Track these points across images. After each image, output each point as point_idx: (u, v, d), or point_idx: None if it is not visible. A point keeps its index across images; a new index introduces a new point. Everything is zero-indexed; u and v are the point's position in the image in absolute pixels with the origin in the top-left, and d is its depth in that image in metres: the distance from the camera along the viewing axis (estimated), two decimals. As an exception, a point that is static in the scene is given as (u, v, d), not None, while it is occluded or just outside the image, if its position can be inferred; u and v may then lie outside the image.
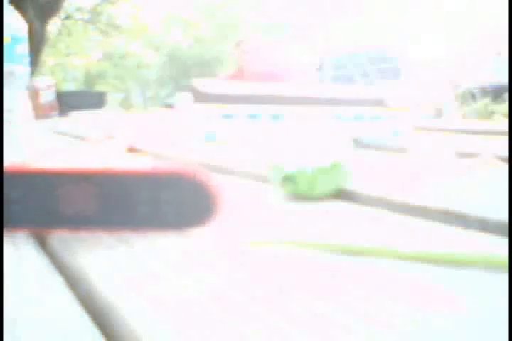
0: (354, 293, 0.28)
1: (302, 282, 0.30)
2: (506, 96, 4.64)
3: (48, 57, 10.06)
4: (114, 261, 0.34)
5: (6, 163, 0.59)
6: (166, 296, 0.28)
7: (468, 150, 0.96)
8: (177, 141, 1.23)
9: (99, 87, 11.89)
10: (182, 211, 0.38)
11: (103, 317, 0.26)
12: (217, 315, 0.25)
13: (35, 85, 2.80)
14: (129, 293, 0.28)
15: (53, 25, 8.30)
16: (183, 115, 1.56)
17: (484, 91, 5.10)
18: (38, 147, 0.72)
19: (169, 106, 4.06)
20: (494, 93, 4.96)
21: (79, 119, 2.50)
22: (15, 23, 0.64)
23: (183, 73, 11.61)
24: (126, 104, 11.71)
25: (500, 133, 1.44)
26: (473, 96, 5.11)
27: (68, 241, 0.38)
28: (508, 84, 4.47)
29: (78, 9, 8.86)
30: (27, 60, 0.66)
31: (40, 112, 2.74)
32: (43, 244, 0.39)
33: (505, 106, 4.46)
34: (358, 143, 1.18)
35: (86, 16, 9.20)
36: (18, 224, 0.38)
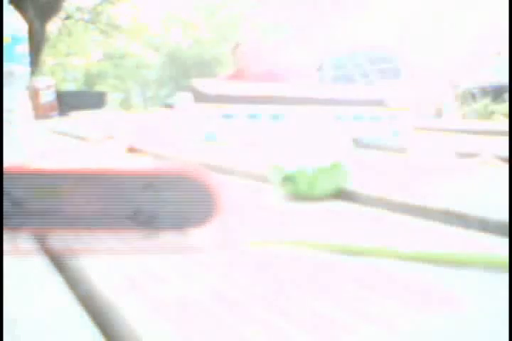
0: (354, 293, 0.28)
1: (302, 282, 0.30)
2: (506, 96, 4.64)
3: (48, 57, 10.06)
4: (114, 261, 0.34)
5: (5, 163, 0.59)
6: (165, 296, 0.28)
7: (468, 150, 0.96)
8: (177, 141, 1.23)
9: (99, 87, 11.90)
10: (182, 211, 0.38)
11: (103, 317, 0.26)
12: (217, 315, 0.25)
13: (35, 85, 2.80)
14: (129, 293, 0.28)
15: (53, 25, 8.31)
16: (183, 115, 1.56)
17: (484, 91, 5.10)
18: (38, 147, 0.72)
19: (169, 106, 4.06)
20: (494, 93, 4.96)
21: (79, 119, 2.50)
22: (15, 23, 0.64)
23: (182, 73, 11.61)
24: (126, 104, 11.72)
25: (500, 133, 1.44)
26: (473, 96, 5.11)
27: (68, 241, 0.38)
28: (508, 84, 4.47)
29: (78, 9, 8.86)
30: (27, 60, 0.66)
31: (40, 112, 2.74)
32: (43, 243, 0.39)
33: (505, 106, 4.46)
34: (358, 143, 1.18)
35: (86, 16, 9.21)
36: (20, 225, 0.38)
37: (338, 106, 1.27)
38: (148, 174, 0.38)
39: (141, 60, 12.84)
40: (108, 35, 10.05)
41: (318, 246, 0.36)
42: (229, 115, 1.21)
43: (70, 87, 11.85)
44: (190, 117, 1.30)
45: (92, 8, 9.08)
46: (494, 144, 1.12)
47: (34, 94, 2.74)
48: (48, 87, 2.93)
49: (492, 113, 4.53)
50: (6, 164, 0.59)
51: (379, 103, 1.31)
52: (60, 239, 0.38)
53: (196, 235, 0.39)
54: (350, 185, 0.57)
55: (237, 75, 1.67)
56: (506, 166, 0.77)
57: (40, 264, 0.34)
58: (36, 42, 4.79)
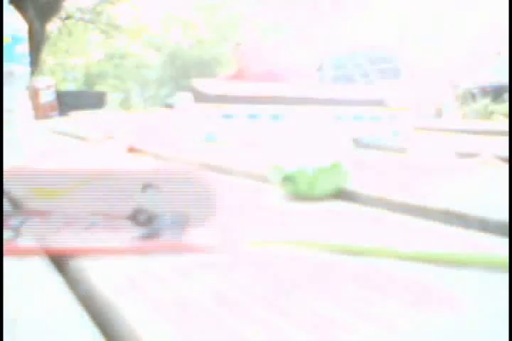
0: (354, 293, 0.28)
1: (302, 282, 0.30)
2: (506, 96, 4.64)
3: (48, 57, 10.06)
4: (114, 261, 0.34)
5: (5, 163, 0.59)
6: (165, 296, 0.28)
7: (468, 150, 0.96)
8: (177, 141, 1.23)
9: (99, 87, 11.90)
10: (182, 211, 0.38)
11: (103, 317, 0.26)
12: (217, 315, 0.25)
13: (35, 85, 2.80)
14: (129, 293, 0.28)
15: (53, 25, 8.31)
16: (183, 115, 1.56)
17: (484, 91, 5.10)
18: (38, 147, 0.72)
19: (169, 106, 4.06)
20: (494, 93, 4.96)
21: (79, 119, 2.50)
22: (15, 23, 0.64)
23: (182, 73, 11.61)
24: (126, 104, 11.71)
25: (500, 133, 1.44)
26: (473, 96, 5.11)
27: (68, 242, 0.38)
28: (508, 84, 4.47)
29: (78, 9, 8.85)
30: (27, 60, 0.66)
31: (40, 112, 2.74)
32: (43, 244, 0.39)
33: (505, 106, 4.46)
34: (358, 143, 1.18)
35: (86, 16, 9.20)
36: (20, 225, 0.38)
37: (338, 106, 1.27)
38: (148, 174, 0.38)
39: (142, 60, 12.85)
40: (108, 35, 10.05)
41: (318, 246, 0.36)
42: (229, 115, 1.21)
43: (70, 87, 11.85)
44: (190, 117, 1.30)
45: (92, 8, 9.08)
46: (494, 144, 1.12)
47: (34, 94, 2.75)
48: (48, 87, 2.93)
49: (492, 113, 4.53)
50: (6, 164, 0.59)
51: (379, 103, 1.31)
52: (60, 239, 0.38)
53: (196, 235, 0.39)
54: (350, 185, 0.57)
55: (238, 75, 1.67)
56: (506, 166, 0.77)
57: (40, 264, 0.34)
58: (36, 42, 4.79)
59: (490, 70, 5.54)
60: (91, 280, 0.31)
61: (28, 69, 0.67)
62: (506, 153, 0.83)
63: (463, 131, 1.56)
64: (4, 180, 0.37)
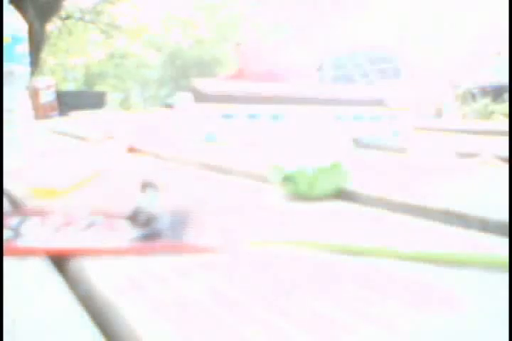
0: (354, 293, 0.28)
1: (302, 282, 0.30)
2: (506, 96, 4.64)
3: (48, 57, 10.06)
4: (114, 261, 0.34)
5: (5, 163, 0.59)
6: (165, 296, 0.28)
7: (468, 150, 0.96)
8: (177, 141, 1.23)
9: (99, 87, 11.90)
10: (182, 211, 0.38)
11: (103, 317, 0.26)
12: (217, 315, 0.25)
13: (35, 85, 2.80)
14: (129, 293, 0.28)
15: (53, 25, 8.31)
16: (183, 115, 1.56)
17: (484, 91, 5.11)
18: (38, 147, 0.72)
19: (169, 106, 4.06)
20: (494, 93, 4.96)
21: (79, 119, 2.50)
22: (15, 23, 0.64)
23: (183, 73, 11.61)
24: (126, 104, 11.71)
25: (500, 133, 1.44)
26: (473, 96, 5.11)
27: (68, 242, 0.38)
28: (508, 84, 4.48)
29: (78, 9, 8.85)
30: (27, 60, 0.66)
31: (40, 112, 2.74)
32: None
33: (505, 106, 4.46)
34: (358, 143, 1.18)
35: (86, 16, 9.21)
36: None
37: (338, 106, 1.27)
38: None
39: (142, 60, 12.85)
40: (108, 35, 10.05)
41: (318, 246, 0.36)
42: (229, 115, 1.21)
43: (70, 87, 11.84)
44: (190, 117, 1.30)
45: (92, 7, 9.08)
46: (494, 144, 1.12)
47: (34, 94, 2.74)
48: (48, 87, 2.93)
49: (492, 113, 4.53)
50: (6, 164, 0.59)
51: (379, 103, 1.31)
52: (60, 240, 0.38)
53: (196, 235, 0.39)
54: (350, 185, 0.57)
55: (238, 75, 1.67)
56: (506, 166, 0.77)
57: (40, 264, 0.34)
58: (36, 42, 4.79)
59: (490, 70, 5.54)
60: (91, 280, 0.31)
61: (28, 69, 0.67)
62: (506, 153, 0.83)
63: (463, 131, 1.56)
64: (4, 180, 0.37)
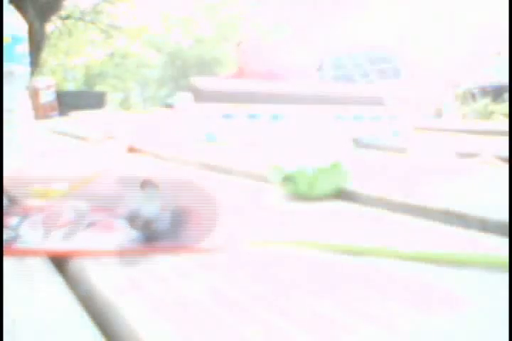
0: (354, 293, 0.28)
1: (302, 282, 0.30)
2: (506, 96, 4.65)
3: (49, 57, 10.06)
4: (114, 261, 0.34)
5: (5, 163, 0.59)
6: (166, 296, 0.28)
7: (468, 150, 0.96)
8: (177, 141, 1.23)
9: (99, 87, 11.91)
10: (182, 211, 0.38)
11: (103, 317, 0.26)
12: (217, 315, 0.25)
13: (35, 85, 2.80)
14: (129, 293, 0.28)
15: (53, 25, 8.31)
16: (183, 115, 1.56)
17: (484, 91, 5.11)
18: (38, 147, 0.72)
19: (169, 106, 4.06)
20: (494, 93, 4.97)
21: (79, 119, 2.50)
22: (15, 23, 0.64)
23: (183, 73, 11.62)
24: (126, 104, 11.72)
25: (500, 133, 1.44)
26: (473, 96, 5.12)
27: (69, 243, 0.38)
28: (508, 84, 4.48)
29: (78, 9, 8.86)
30: (27, 60, 0.66)
31: (40, 112, 2.74)
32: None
33: (505, 106, 4.46)
34: (358, 143, 1.18)
35: (86, 16, 9.21)
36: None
37: (338, 104, 1.27)
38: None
39: (142, 60, 12.85)
40: (108, 35, 10.05)
41: (318, 246, 0.36)
42: (229, 115, 1.21)
43: (70, 87, 11.85)
44: (190, 117, 1.30)
45: (91, 8, 9.08)
46: (494, 144, 1.12)
47: (34, 94, 2.75)
48: (48, 87, 2.93)
49: (492, 113, 4.53)
50: (6, 164, 0.59)
51: (379, 101, 1.31)
52: (59, 241, 0.38)
53: (196, 235, 0.39)
54: (350, 185, 0.57)
55: (238, 74, 1.67)
56: (506, 166, 0.77)
57: (40, 264, 0.34)
58: (36, 42, 4.79)
59: (490, 70, 5.55)
60: (91, 280, 0.31)
61: (28, 69, 0.67)
62: (506, 153, 0.83)
63: (463, 131, 1.56)
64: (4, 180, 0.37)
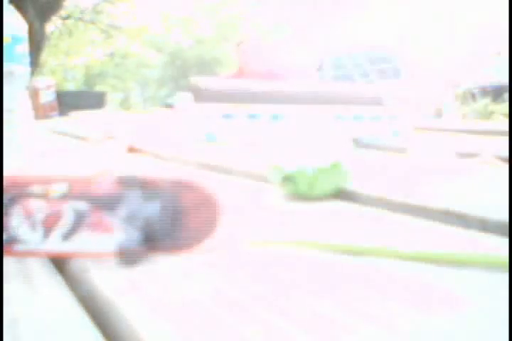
0: (354, 293, 0.28)
1: (302, 282, 0.30)
2: (506, 96, 4.65)
3: (49, 57, 10.06)
4: (114, 261, 0.34)
5: (5, 163, 0.59)
6: (166, 296, 0.28)
7: (468, 150, 0.96)
8: (177, 141, 1.23)
9: (99, 87, 11.91)
10: (181, 212, 0.38)
11: (103, 317, 0.26)
12: (217, 315, 0.25)
13: (35, 85, 2.80)
14: (129, 294, 0.28)
15: (54, 26, 8.31)
16: (183, 115, 1.56)
17: (484, 91, 5.11)
18: (38, 147, 0.72)
19: (169, 106, 4.06)
20: (494, 93, 4.97)
21: (79, 119, 2.50)
22: (15, 23, 0.64)
23: (183, 73, 11.62)
24: (126, 104, 11.72)
25: (500, 133, 1.44)
26: (473, 96, 5.12)
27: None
28: (508, 84, 4.48)
29: (78, 9, 8.86)
30: (27, 60, 0.66)
31: (40, 112, 2.74)
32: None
33: (505, 106, 4.46)
34: (358, 143, 1.18)
35: (86, 16, 9.21)
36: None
37: (338, 104, 1.27)
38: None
39: (142, 60, 12.85)
40: (108, 35, 10.05)
41: (318, 246, 0.36)
42: (229, 115, 1.21)
43: (70, 87, 11.85)
44: (190, 117, 1.30)
45: (91, 8, 9.08)
46: (494, 144, 1.12)
47: (34, 94, 2.75)
48: (48, 87, 2.93)
49: (492, 113, 4.53)
50: (6, 164, 0.59)
51: (379, 101, 1.31)
52: (57, 244, 0.38)
53: (196, 235, 0.39)
54: (350, 185, 0.57)
55: (238, 74, 1.67)
56: (506, 166, 0.77)
57: (40, 264, 0.34)
58: (36, 42, 4.79)
59: (490, 70, 5.55)
60: (91, 280, 0.31)
61: (28, 69, 0.67)
62: (506, 153, 0.83)
63: (463, 131, 1.56)
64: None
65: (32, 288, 0.30)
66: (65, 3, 6.08)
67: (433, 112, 4.04)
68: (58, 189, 0.37)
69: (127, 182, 0.37)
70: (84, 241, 0.36)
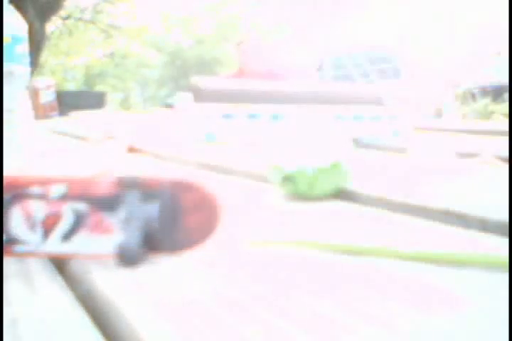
0: (354, 293, 0.28)
1: (302, 282, 0.30)
2: (506, 96, 4.65)
3: (49, 57, 10.06)
4: (114, 261, 0.34)
5: (5, 163, 0.59)
6: (166, 296, 0.28)
7: (468, 150, 0.96)
8: (177, 141, 1.23)
9: (99, 87, 11.90)
10: (180, 213, 0.38)
11: (103, 317, 0.26)
12: (217, 315, 0.25)
13: (35, 85, 2.80)
14: (129, 293, 0.28)
15: (54, 26, 8.31)
16: (183, 115, 1.56)
17: (484, 91, 5.11)
18: (38, 147, 0.72)
19: (169, 106, 4.06)
20: (494, 93, 4.97)
21: (79, 119, 2.50)
22: (15, 23, 0.64)
23: (183, 73, 11.62)
24: (126, 104, 11.72)
25: (500, 133, 1.44)
26: (473, 96, 5.12)
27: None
28: (508, 84, 4.48)
29: (78, 8, 8.87)
30: (27, 60, 0.66)
31: (40, 112, 2.74)
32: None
33: (505, 106, 4.46)
34: (358, 143, 1.18)
35: (87, 16, 9.21)
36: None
37: (338, 104, 1.27)
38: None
39: (142, 60, 12.84)
40: (108, 35, 10.05)
41: (318, 246, 0.36)
42: (229, 115, 1.21)
43: (70, 87, 11.84)
44: (190, 117, 1.30)
45: (91, 8, 9.09)
46: (494, 144, 1.12)
47: (34, 94, 2.74)
48: (48, 87, 2.93)
49: (492, 113, 4.53)
50: (6, 164, 0.59)
51: (379, 102, 1.31)
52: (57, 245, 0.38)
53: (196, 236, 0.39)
54: (350, 185, 0.57)
55: (238, 74, 1.67)
56: (506, 166, 0.77)
57: (41, 264, 0.34)
58: (36, 42, 4.79)
59: (490, 70, 5.55)
60: (91, 280, 0.31)
61: (28, 69, 0.67)
62: (506, 153, 0.83)
63: (463, 131, 1.56)
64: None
65: (32, 288, 0.30)
66: (65, 3, 6.08)
67: (433, 112, 4.04)
68: (57, 190, 0.37)
69: (127, 183, 0.37)
70: (84, 243, 0.36)
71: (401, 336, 0.23)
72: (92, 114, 2.86)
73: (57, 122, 2.30)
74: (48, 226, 0.37)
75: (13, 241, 0.36)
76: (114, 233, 0.36)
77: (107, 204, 0.37)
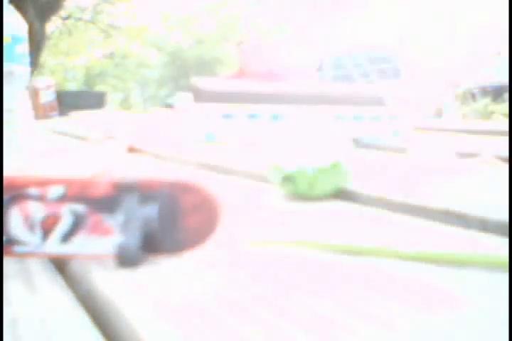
0: (354, 293, 0.28)
1: (302, 282, 0.30)
2: (506, 96, 4.65)
3: (49, 57, 10.06)
4: (114, 262, 0.34)
5: (5, 163, 0.59)
6: (166, 296, 0.28)
7: (468, 150, 0.96)
8: (177, 141, 1.23)
9: (99, 87, 11.90)
10: (180, 214, 0.38)
11: (103, 317, 0.26)
12: (217, 315, 0.25)
13: (35, 85, 2.80)
14: (129, 293, 0.28)
15: (54, 26, 8.31)
16: (183, 115, 1.56)
17: (484, 91, 5.11)
18: (38, 147, 0.72)
19: (169, 106, 4.06)
20: (494, 93, 4.97)
21: (79, 119, 2.49)
22: (15, 23, 0.64)
23: (183, 73, 11.62)
24: (126, 104, 11.72)
25: (500, 133, 1.44)
26: (473, 96, 5.12)
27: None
28: (508, 84, 4.48)
29: (78, 8, 8.87)
30: (27, 60, 0.66)
31: (40, 112, 2.74)
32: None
33: (505, 106, 4.46)
34: (358, 143, 1.18)
35: (87, 16, 9.21)
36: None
37: (338, 104, 1.27)
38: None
39: (142, 60, 12.84)
40: (108, 35, 10.05)
41: (318, 246, 0.36)
42: (229, 115, 1.21)
43: (70, 87, 11.84)
44: (190, 117, 1.30)
45: (91, 8, 9.09)
46: (494, 144, 1.12)
47: (34, 94, 2.74)
48: (48, 87, 2.93)
49: (492, 113, 4.53)
50: (6, 164, 0.59)
51: (379, 102, 1.31)
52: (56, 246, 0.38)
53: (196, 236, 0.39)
54: (350, 185, 0.57)
55: (238, 75, 1.67)
56: (506, 166, 0.77)
57: (41, 265, 0.34)
58: (36, 42, 4.79)
59: (490, 70, 5.55)
60: (91, 280, 0.31)
61: (28, 69, 0.67)
62: (506, 153, 0.83)
63: (463, 131, 1.56)
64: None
65: (32, 288, 0.30)
66: (65, 3, 6.08)
67: (433, 112, 4.04)
68: (56, 191, 0.37)
69: (125, 185, 0.37)
70: (83, 244, 0.36)
71: (401, 336, 0.23)
72: (92, 114, 2.86)
73: (57, 122, 2.30)
74: (47, 227, 0.37)
75: (13, 241, 0.36)
76: (113, 234, 0.36)
77: (106, 205, 0.37)
